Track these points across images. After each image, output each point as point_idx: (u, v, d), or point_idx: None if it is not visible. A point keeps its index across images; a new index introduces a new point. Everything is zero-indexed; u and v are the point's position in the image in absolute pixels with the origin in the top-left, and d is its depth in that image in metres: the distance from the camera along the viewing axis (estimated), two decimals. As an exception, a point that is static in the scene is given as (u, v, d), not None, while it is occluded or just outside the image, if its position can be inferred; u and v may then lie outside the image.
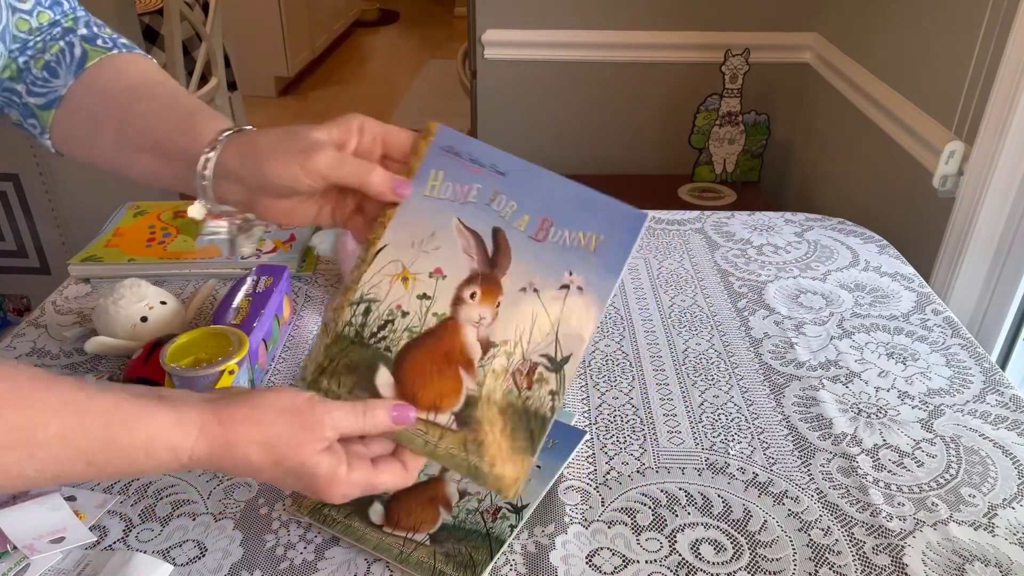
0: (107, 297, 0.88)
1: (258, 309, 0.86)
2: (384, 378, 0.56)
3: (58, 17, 0.68)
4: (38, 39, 0.67)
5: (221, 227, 1.11)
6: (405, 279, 0.56)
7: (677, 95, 2.02)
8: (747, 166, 2.00)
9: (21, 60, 0.65)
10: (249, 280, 0.91)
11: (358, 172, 0.55)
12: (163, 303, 0.88)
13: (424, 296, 0.56)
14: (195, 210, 0.55)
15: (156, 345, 0.80)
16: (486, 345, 0.55)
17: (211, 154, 0.56)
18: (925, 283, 1.06)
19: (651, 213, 1.24)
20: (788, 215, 1.24)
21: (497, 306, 0.55)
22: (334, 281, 1.05)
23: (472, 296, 0.55)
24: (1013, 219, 1.19)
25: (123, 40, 0.68)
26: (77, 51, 0.65)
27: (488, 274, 0.56)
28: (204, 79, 2.50)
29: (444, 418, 0.55)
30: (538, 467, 0.72)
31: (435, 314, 0.55)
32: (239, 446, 0.50)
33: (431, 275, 0.56)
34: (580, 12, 1.93)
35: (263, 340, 0.85)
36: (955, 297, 1.26)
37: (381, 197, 0.56)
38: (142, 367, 0.79)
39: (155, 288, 0.90)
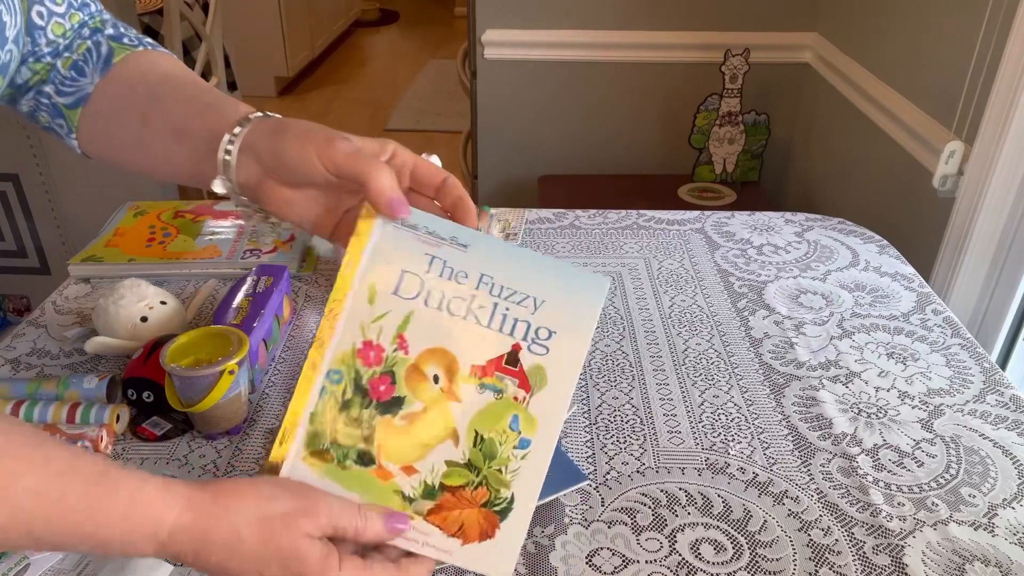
0: (107, 297, 0.88)
1: (258, 309, 0.86)
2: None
3: (86, 18, 0.68)
4: (67, 41, 0.67)
5: (223, 226, 1.11)
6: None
7: (677, 95, 2.02)
8: (747, 166, 2.00)
9: (56, 63, 0.66)
10: (249, 280, 0.91)
11: (367, 167, 0.51)
12: (163, 303, 0.88)
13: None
14: (217, 184, 0.56)
15: (156, 345, 0.80)
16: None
17: (238, 129, 0.56)
18: (925, 283, 1.06)
19: (651, 213, 1.24)
20: (788, 215, 1.24)
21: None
22: (334, 281, 1.05)
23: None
24: (1013, 219, 1.19)
25: (149, 40, 0.69)
26: (104, 49, 0.65)
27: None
28: (204, 79, 2.49)
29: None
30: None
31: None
32: (229, 518, 0.46)
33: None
34: (580, 12, 1.93)
35: (263, 340, 0.85)
36: (955, 297, 1.26)
37: (377, 202, 0.51)
38: (142, 367, 0.79)
39: (155, 288, 0.90)
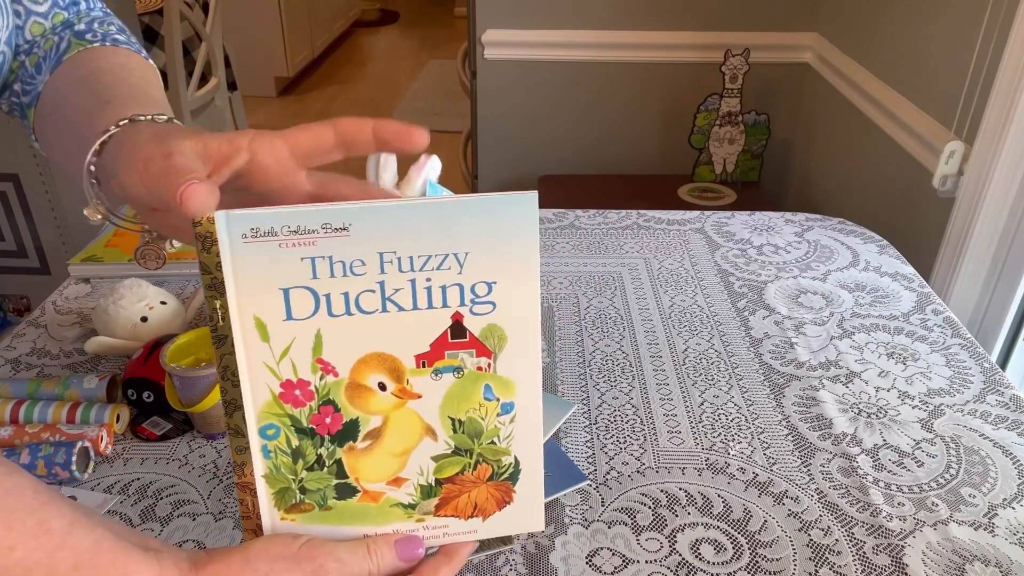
0: (107, 297, 0.88)
1: (258, 309, 0.86)
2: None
3: (71, 17, 0.65)
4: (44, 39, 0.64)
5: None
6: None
7: (677, 95, 2.02)
8: (747, 166, 2.00)
9: (23, 60, 0.63)
10: (249, 280, 0.91)
11: (169, 187, 0.41)
12: (163, 303, 0.88)
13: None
14: (88, 210, 0.46)
15: (156, 345, 0.80)
16: None
17: (96, 145, 0.48)
18: (925, 283, 1.06)
19: (651, 213, 1.24)
20: (788, 215, 1.24)
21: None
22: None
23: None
24: (1013, 219, 1.19)
25: (120, 37, 0.63)
26: (63, 45, 0.60)
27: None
28: (204, 79, 2.50)
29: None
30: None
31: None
32: None
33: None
34: (580, 12, 1.93)
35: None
36: (955, 297, 1.26)
37: (187, 214, 0.42)
38: (142, 367, 0.79)
39: (155, 288, 0.90)
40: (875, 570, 0.64)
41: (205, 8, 2.48)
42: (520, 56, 1.99)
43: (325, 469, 0.46)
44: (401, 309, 0.44)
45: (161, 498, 0.70)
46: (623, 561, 0.65)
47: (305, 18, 4.20)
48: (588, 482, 0.73)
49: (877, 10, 1.62)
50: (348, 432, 0.46)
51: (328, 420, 0.45)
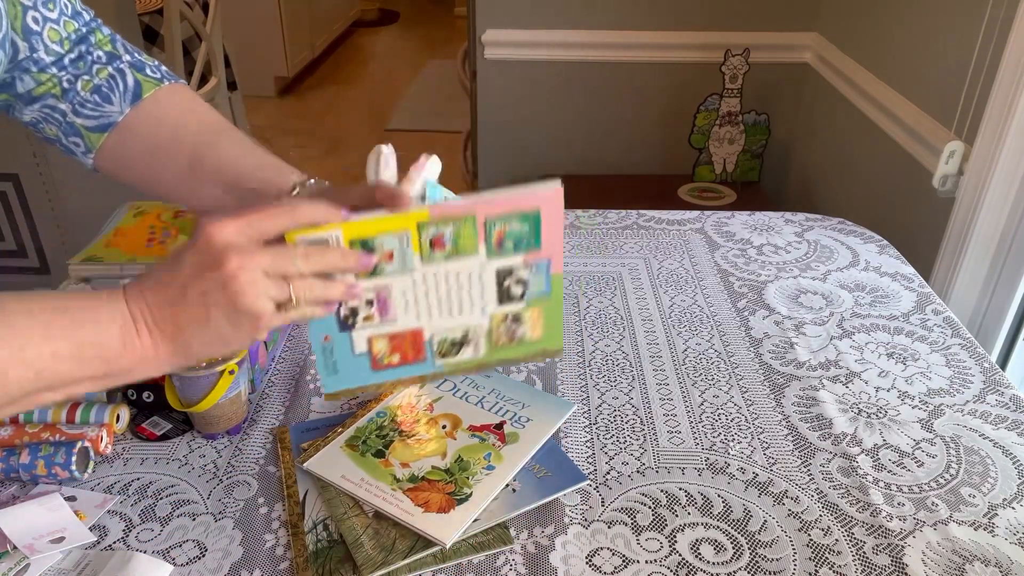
0: (107, 297, 0.87)
1: (258, 309, 0.85)
2: None
3: (81, 27, 0.69)
4: (74, 56, 0.68)
5: None
6: None
7: (677, 95, 2.02)
8: (747, 166, 2.00)
9: (64, 77, 0.67)
10: (249, 280, 0.91)
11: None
12: (163, 303, 0.88)
13: None
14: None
15: (156, 345, 0.80)
16: None
17: (296, 191, 0.64)
18: (925, 283, 1.06)
19: (651, 213, 1.24)
20: (788, 215, 1.24)
21: None
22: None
23: None
24: (1013, 219, 1.19)
25: (165, 69, 0.73)
26: (130, 80, 0.69)
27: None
28: (204, 79, 2.50)
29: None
30: (513, 491, 0.71)
31: None
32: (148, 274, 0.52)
33: None
34: (580, 12, 1.93)
35: (263, 340, 0.85)
36: (955, 297, 1.26)
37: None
38: (142, 367, 0.78)
39: (155, 288, 0.90)
40: (875, 570, 0.64)
41: (205, 8, 2.48)
42: (520, 56, 1.99)
43: (383, 440, 0.76)
44: (483, 408, 0.81)
45: (161, 498, 0.70)
46: (623, 561, 0.65)
47: (305, 18, 4.19)
48: (588, 482, 0.73)
49: (877, 10, 1.62)
50: (409, 435, 0.77)
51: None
